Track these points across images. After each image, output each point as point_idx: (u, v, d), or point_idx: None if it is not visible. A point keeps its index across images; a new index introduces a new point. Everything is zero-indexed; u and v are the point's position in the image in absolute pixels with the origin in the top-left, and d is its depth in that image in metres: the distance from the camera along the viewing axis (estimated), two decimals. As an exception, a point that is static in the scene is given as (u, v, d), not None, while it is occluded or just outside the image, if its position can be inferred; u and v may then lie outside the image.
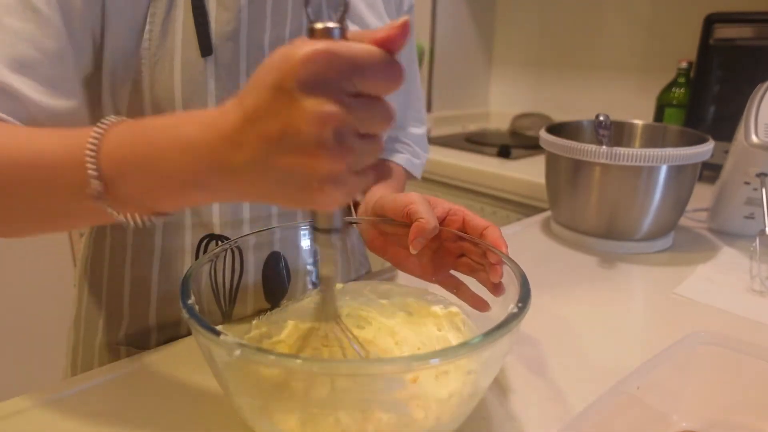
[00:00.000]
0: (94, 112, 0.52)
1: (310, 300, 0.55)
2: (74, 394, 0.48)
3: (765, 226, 0.74)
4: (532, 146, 1.55)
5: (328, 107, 0.29)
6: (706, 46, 1.21)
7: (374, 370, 0.35)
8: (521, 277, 0.43)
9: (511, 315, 0.37)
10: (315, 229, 0.37)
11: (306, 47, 0.29)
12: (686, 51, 1.35)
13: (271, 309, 0.54)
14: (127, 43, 0.49)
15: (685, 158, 0.78)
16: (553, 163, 0.89)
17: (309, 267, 0.57)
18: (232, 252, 0.50)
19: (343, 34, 0.31)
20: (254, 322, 0.51)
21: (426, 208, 0.50)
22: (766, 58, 1.14)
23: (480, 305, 0.50)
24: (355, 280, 0.69)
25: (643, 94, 1.56)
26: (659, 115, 1.38)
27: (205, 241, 0.58)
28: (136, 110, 0.52)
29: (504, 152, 1.54)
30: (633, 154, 0.77)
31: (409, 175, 0.78)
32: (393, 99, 0.32)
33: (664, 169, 0.78)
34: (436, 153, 1.56)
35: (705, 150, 0.79)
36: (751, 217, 0.86)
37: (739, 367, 0.48)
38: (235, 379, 0.38)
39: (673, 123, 1.34)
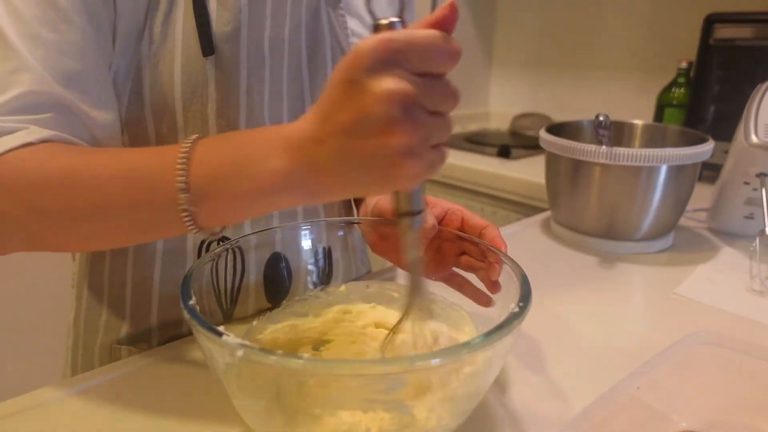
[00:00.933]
0: None
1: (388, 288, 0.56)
2: (74, 394, 0.48)
3: (765, 226, 0.75)
4: (532, 146, 1.55)
5: (393, 84, 0.31)
6: (706, 46, 1.21)
7: (376, 369, 0.35)
8: (521, 277, 0.43)
9: (512, 315, 0.37)
10: (399, 216, 0.39)
11: (369, 41, 0.32)
12: (686, 51, 1.34)
13: (272, 309, 0.54)
14: (128, 44, 0.49)
15: (685, 158, 0.78)
16: (553, 163, 0.89)
17: (310, 267, 0.57)
18: (234, 252, 0.50)
19: (404, 26, 0.34)
20: (254, 323, 0.51)
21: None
22: (766, 58, 1.14)
23: (484, 301, 0.51)
24: (355, 280, 0.69)
25: (643, 94, 1.55)
26: (659, 115, 1.38)
27: (206, 242, 0.58)
28: (135, 110, 0.52)
29: (504, 152, 1.54)
30: (633, 154, 0.77)
31: None
32: None
33: (664, 169, 0.78)
34: (436, 153, 1.56)
35: (705, 150, 0.79)
36: (751, 217, 0.87)
37: (739, 367, 0.48)
38: (236, 380, 0.37)
39: (673, 123, 1.34)
